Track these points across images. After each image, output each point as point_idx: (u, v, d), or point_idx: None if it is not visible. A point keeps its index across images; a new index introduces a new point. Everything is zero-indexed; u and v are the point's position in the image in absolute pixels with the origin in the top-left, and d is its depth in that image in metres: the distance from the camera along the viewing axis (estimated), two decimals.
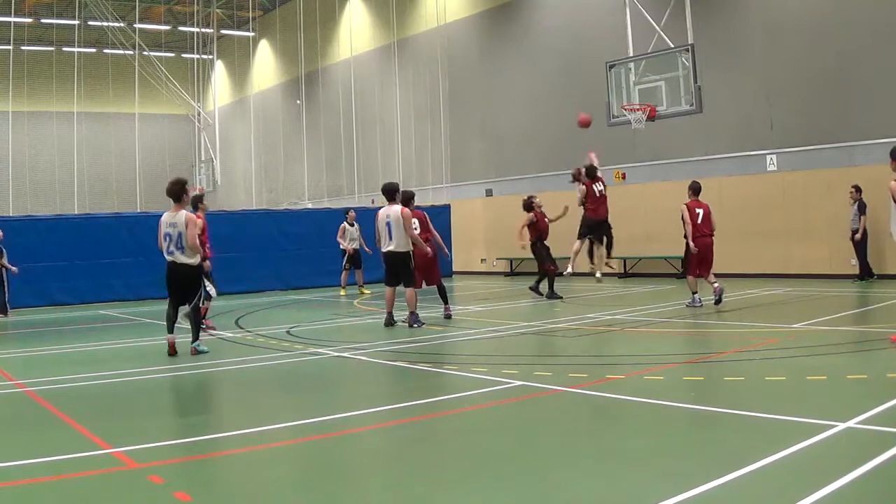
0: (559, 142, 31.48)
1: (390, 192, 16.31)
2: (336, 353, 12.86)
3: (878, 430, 6.98)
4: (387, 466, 6.77)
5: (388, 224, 15.86)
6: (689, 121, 24.14)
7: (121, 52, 51.65)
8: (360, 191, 42.51)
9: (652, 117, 22.64)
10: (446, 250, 18.49)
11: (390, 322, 16.31)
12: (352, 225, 25.10)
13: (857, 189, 22.10)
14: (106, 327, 18.34)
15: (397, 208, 15.91)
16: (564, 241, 21.24)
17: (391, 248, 15.92)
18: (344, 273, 25.25)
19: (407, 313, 16.31)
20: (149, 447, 7.30)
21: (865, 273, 22.15)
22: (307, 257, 28.20)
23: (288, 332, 15.82)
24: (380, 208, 16.75)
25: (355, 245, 25.05)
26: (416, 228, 16.46)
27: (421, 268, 16.88)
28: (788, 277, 23.50)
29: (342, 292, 24.97)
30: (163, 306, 19.67)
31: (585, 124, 20.66)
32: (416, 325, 15.98)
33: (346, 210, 26.14)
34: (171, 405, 9.75)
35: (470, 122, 36.32)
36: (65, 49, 51.84)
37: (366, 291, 25.15)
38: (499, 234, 33.30)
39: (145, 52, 51.42)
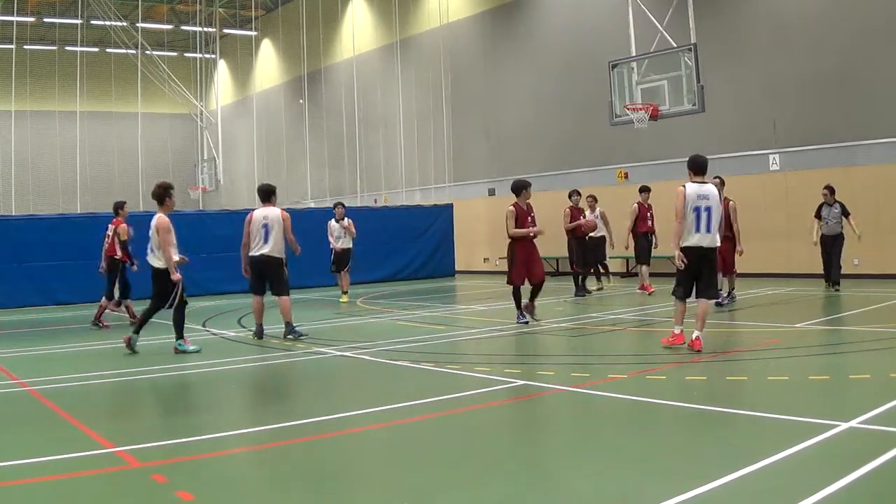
0: (562, 141, 31.51)
1: (266, 193, 15.20)
2: (338, 353, 12.87)
3: (880, 430, 6.98)
4: (389, 465, 6.78)
5: (265, 226, 14.71)
6: (692, 120, 24.11)
7: (123, 51, 51.70)
8: (363, 190, 42.52)
9: (654, 117, 22.63)
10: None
11: (261, 334, 15.06)
12: (340, 220, 22.54)
13: (832, 190, 20.68)
14: (109, 326, 18.33)
15: (276, 210, 14.90)
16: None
17: (266, 251, 14.71)
18: (338, 275, 23.00)
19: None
20: (151, 446, 7.32)
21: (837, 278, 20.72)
22: (308, 256, 27.95)
23: (288, 339, 15.79)
24: (260, 210, 15.14)
25: (343, 244, 22.51)
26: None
27: (524, 263, 15.87)
28: (791, 277, 23.50)
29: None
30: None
31: (591, 228, 21.91)
32: (293, 336, 14.64)
33: (335, 205, 23.28)
34: (173, 404, 9.76)
35: (472, 122, 36.31)
36: (67, 48, 51.84)
37: (343, 300, 22.62)
38: (501, 233, 33.25)
39: (148, 52, 51.41)
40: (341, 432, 7.92)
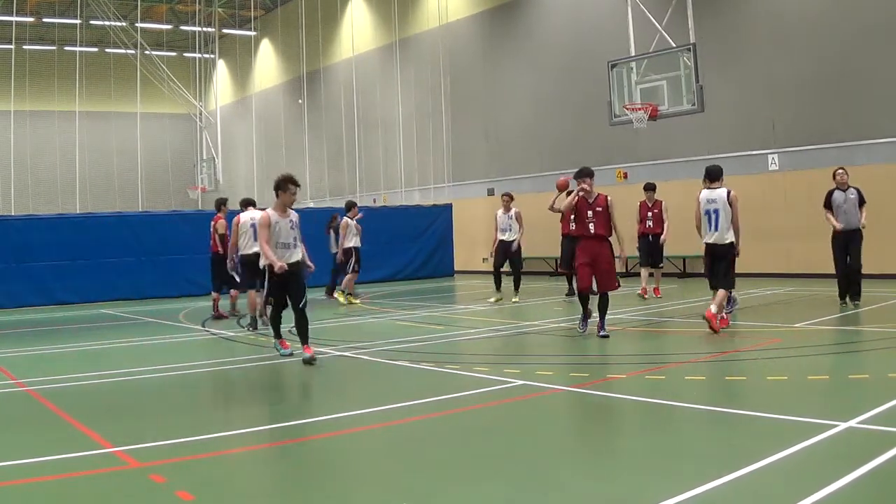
0: (561, 141, 31.51)
1: (247, 203, 17.58)
2: (338, 353, 12.87)
3: (879, 430, 6.98)
4: (388, 465, 6.77)
5: (252, 226, 16.24)
6: (691, 120, 24.14)
7: (122, 51, 51.74)
8: (363, 190, 42.51)
9: (654, 117, 22.63)
10: (624, 252, 14.75)
11: (255, 325, 16.24)
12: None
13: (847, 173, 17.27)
14: (107, 326, 18.35)
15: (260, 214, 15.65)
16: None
17: (257, 249, 15.37)
18: (353, 276, 21.84)
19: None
20: (150, 446, 7.31)
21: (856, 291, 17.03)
22: (310, 256, 27.70)
23: (290, 332, 15.79)
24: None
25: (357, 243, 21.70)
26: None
27: (588, 265, 13.61)
28: (790, 277, 23.50)
29: (356, 301, 21.81)
30: (163, 305, 19.81)
31: (563, 187, 19.50)
32: (252, 328, 16.20)
33: (353, 204, 22.38)
34: (172, 404, 9.74)
35: (471, 122, 36.31)
36: (67, 48, 51.90)
37: (355, 301, 21.89)
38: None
39: (147, 52, 51.43)
40: (340, 432, 7.92)
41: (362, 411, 8.61)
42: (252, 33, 54.28)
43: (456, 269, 33.34)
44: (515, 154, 33.93)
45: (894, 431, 6.88)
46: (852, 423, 7.15)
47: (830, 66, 23.77)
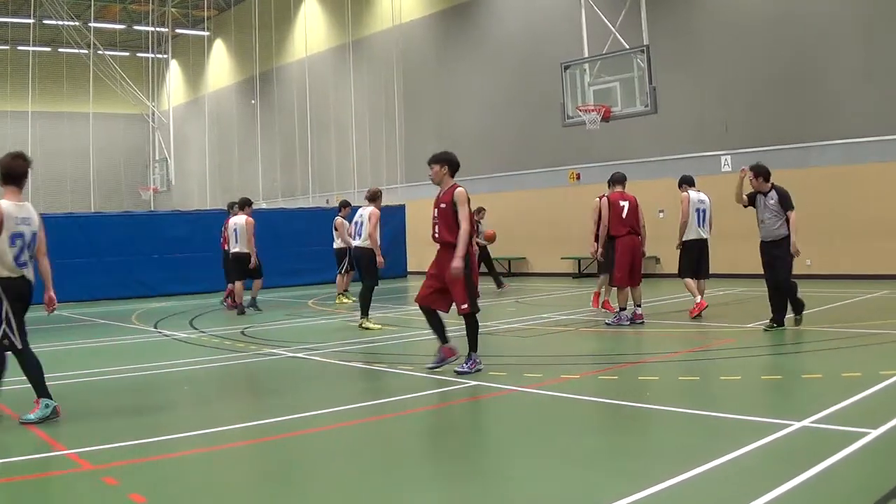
0: (514, 142, 31.57)
1: (240, 205, 19.98)
2: (290, 354, 12.80)
3: (833, 430, 7.03)
4: (342, 467, 6.72)
5: (235, 230, 19.48)
6: (644, 122, 24.21)
7: (75, 50, 51.29)
8: (315, 191, 42.37)
9: (607, 118, 22.66)
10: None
11: (243, 311, 19.31)
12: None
13: (765, 173, 13.94)
14: (59, 328, 18.12)
15: (243, 218, 19.42)
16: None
17: (237, 249, 19.47)
18: (348, 276, 22.23)
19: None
20: (103, 448, 7.24)
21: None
22: (263, 257, 27.30)
23: (242, 333, 15.71)
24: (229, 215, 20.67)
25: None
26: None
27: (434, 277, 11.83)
28: (741, 278, 23.61)
29: (348, 300, 21.60)
30: (115, 307, 19.52)
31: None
32: (254, 309, 19.90)
33: (346, 203, 22.57)
34: (125, 406, 9.62)
35: (425, 122, 36.28)
36: (19, 48, 51.41)
37: (346, 300, 21.76)
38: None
39: (100, 52, 51.00)
40: (294, 433, 7.87)
41: (316, 413, 8.56)
42: (205, 33, 53.99)
43: (409, 270, 33.29)
44: (469, 155, 33.76)
45: (848, 430, 6.92)
46: (806, 422, 7.20)
47: (784, 68, 23.98)
